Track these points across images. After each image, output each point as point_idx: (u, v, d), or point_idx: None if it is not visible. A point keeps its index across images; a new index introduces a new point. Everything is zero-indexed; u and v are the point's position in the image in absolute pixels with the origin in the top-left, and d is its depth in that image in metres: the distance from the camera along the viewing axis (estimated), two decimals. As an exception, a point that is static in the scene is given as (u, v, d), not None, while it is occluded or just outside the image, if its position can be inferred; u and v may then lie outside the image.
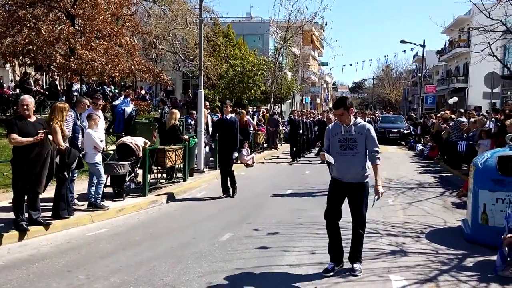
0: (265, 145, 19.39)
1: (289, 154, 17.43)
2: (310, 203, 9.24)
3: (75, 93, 16.53)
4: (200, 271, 5.25)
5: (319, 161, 14.87)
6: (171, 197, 9.42)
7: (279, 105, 33.24)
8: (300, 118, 18.10)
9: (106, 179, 8.73)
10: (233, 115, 10.26)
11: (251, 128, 16.99)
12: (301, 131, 17.23)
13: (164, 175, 10.53)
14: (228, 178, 9.73)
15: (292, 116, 18.42)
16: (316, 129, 20.34)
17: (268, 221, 7.68)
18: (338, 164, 5.16)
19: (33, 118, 6.50)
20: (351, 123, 5.13)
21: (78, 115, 7.80)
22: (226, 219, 7.84)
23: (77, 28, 13.55)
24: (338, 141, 5.14)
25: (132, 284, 4.85)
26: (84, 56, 12.41)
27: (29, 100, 6.53)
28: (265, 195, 10.12)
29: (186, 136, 11.13)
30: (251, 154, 14.91)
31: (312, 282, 4.95)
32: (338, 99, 5.35)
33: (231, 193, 9.74)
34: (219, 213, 8.32)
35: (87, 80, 18.54)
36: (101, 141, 8.17)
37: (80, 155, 7.52)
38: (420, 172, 14.62)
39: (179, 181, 10.74)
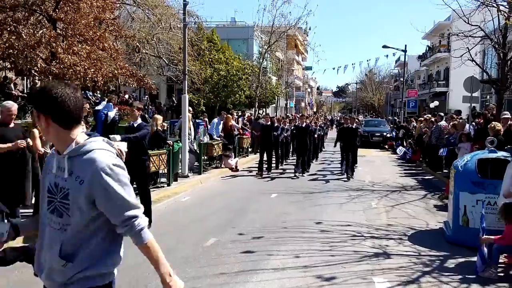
0: (250, 149, 19.38)
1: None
2: (295, 207, 9.28)
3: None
4: (184, 276, 5.22)
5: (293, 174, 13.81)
6: (154, 203, 9.34)
7: (264, 109, 33.33)
8: (272, 122, 15.16)
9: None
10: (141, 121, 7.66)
11: (236, 132, 16.97)
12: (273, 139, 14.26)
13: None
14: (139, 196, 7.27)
15: (262, 121, 15.47)
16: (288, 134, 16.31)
17: (253, 225, 7.68)
18: (43, 243, 2.27)
19: (12, 124, 6.43)
20: (66, 151, 2.16)
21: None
22: (211, 224, 7.81)
23: (59, 32, 13.39)
24: (47, 189, 2.23)
25: (115, 290, 4.79)
26: (66, 60, 12.26)
27: (15, 107, 6.53)
28: (250, 199, 10.12)
29: (170, 141, 11.08)
30: (235, 158, 14.88)
31: (296, 285, 4.97)
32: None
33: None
34: (204, 218, 8.29)
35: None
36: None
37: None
38: (402, 175, 14.80)
39: (163, 186, 10.68)
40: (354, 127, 14.12)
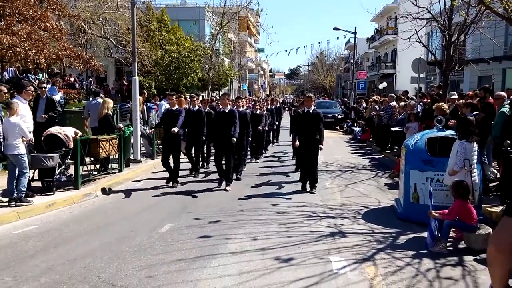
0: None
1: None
2: (250, 190, 9.26)
3: (-4, 81, 15.28)
4: (139, 264, 5.06)
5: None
6: (106, 189, 9.01)
7: (217, 92, 32.99)
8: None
9: (34, 173, 8.18)
10: None
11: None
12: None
13: (98, 166, 10.04)
14: None
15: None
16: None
17: (209, 209, 7.58)
18: None
19: None
20: None
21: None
22: (166, 209, 7.63)
23: (-5, 10, 12.49)
24: None
25: (65, 283, 4.57)
26: (4, 41, 11.48)
27: None
28: (205, 183, 9.98)
29: (121, 125, 10.69)
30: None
31: (255, 268, 4.94)
32: None
33: None
34: (158, 204, 8.08)
35: (9, 65, 17.22)
36: (30, 132, 7.65)
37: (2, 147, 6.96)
38: (354, 155, 15.14)
39: (115, 172, 10.31)
40: (312, 111, 9.16)
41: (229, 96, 10.75)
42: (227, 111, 9.36)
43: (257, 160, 12.99)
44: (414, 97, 16.06)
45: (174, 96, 9.93)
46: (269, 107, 15.72)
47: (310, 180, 9.13)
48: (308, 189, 9.07)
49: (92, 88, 24.78)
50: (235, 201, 8.23)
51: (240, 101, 10.75)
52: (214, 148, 9.74)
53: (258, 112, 12.81)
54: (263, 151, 14.26)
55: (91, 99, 12.22)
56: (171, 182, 9.54)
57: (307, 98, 9.58)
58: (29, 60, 12.52)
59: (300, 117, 9.35)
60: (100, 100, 10.99)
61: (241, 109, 10.29)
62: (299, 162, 9.57)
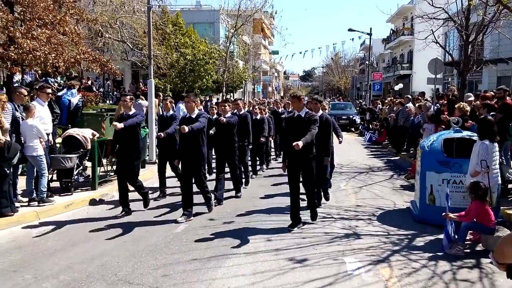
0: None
1: None
2: (264, 191, 9.27)
3: (16, 85, 15.61)
4: (155, 264, 5.13)
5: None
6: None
7: (232, 94, 33.13)
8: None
9: (53, 173, 8.34)
10: None
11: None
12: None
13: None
14: None
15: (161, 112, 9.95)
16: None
17: (223, 210, 7.63)
18: None
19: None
20: None
21: (16, 106, 7.38)
22: (180, 210, 7.68)
23: (17, 15, 12.78)
24: None
25: (84, 281, 4.66)
26: (25, 45, 11.71)
27: None
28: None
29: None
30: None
31: (269, 268, 4.96)
32: None
33: None
34: (173, 204, 8.16)
35: (29, 69, 17.58)
36: (48, 134, 7.81)
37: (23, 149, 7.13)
38: (369, 157, 15.04)
39: (131, 173, 10.42)
40: (305, 115, 6.46)
41: (196, 98, 7.99)
42: (194, 116, 7.28)
43: (253, 176, 10.78)
44: (429, 98, 15.88)
45: (128, 97, 7.61)
46: (280, 110, 14.19)
47: (309, 207, 6.91)
48: (305, 222, 6.74)
49: (110, 90, 25.27)
50: (249, 202, 8.26)
51: (226, 105, 8.76)
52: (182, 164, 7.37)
53: (258, 117, 10.85)
54: (266, 164, 12.02)
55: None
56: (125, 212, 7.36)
57: (292, 99, 6.75)
58: (48, 63, 12.74)
59: (289, 124, 6.70)
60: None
61: (228, 115, 8.45)
62: (290, 184, 6.75)
